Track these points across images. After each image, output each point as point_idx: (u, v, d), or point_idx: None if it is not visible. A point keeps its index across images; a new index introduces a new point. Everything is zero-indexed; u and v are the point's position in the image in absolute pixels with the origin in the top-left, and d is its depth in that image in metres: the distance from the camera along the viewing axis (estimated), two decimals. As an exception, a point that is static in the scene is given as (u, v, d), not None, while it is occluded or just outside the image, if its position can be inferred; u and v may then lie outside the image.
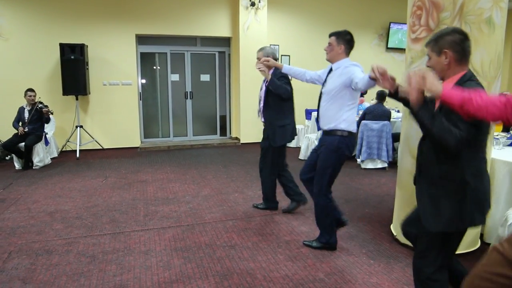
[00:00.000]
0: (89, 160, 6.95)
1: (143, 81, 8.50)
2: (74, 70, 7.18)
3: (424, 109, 1.83)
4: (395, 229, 3.43)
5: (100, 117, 7.96)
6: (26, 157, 6.23)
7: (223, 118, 9.19)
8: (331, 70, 3.14)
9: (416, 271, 2.03)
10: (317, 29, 9.28)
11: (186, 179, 5.51)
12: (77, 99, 7.52)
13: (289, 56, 9.02)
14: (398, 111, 7.74)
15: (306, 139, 6.89)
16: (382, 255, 3.08)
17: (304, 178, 3.27)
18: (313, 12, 9.18)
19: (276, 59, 3.68)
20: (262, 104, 3.86)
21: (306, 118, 8.26)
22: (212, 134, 9.07)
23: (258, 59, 3.66)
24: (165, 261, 2.98)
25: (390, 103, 7.55)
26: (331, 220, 3.15)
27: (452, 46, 1.79)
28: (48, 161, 6.60)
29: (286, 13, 8.91)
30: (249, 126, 8.45)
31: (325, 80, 3.14)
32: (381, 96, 6.23)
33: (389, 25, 9.79)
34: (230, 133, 9.13)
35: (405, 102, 2.09)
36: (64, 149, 7.59)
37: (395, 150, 6.22)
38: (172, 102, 8.66)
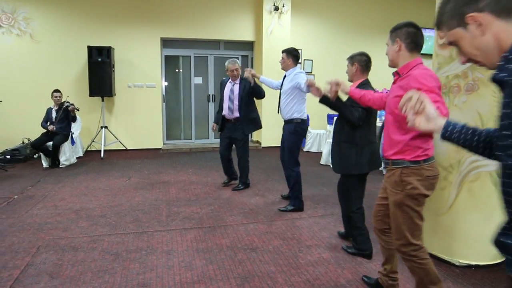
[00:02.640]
0: (113, 160, 7.10)
1: (167, 83, 8.64)
2: (100, 72, 7.37)
3: (338, 101, 2.87)
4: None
5: (124, 118, 8.13)
6: (53, 155, 6.42)
7: (238, 121, 9.23)
8: (285, 76, 4.25)
9: (343, 211, 3.41)
10: (340, 34, 9.24)
11: (208, 181, 5.56)
12: (102, 100, 7.70)
13: (312, 60, 9.01)
14: (422, 118, 7.62)
15: (327, 144, 6.85)
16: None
17: (283, 159, 4.35)
18: (336, 17, 9.14)
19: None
20: (236, 104, 4.84)
21: (328, 123, 8.22)
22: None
23: (236, 70, 4.86)
24: (187, 261, 3.02)
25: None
26: (300, 187, 4.21)
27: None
28: (74, 160, 6.79)
29: (310, 18, 8.90)
30: (270, 130, 8.46)
31: (282, 84, 4.29)
32: None
33: (415, 30, 9.66)
34: (252, 137, 9.17)
35: (326, 101, 2.95)
36: (89, 149, 7.78)
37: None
38: (195, 104, 8.76)
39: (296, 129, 4.11)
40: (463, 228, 2.94)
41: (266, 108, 8.39)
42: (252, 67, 9.00)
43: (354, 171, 3.07)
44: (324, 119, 8.41)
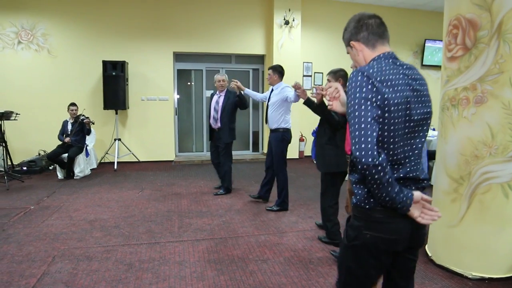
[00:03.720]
0: (126, 172, 7.21)
1: (179, 96, 8.78)
2: (115, 85, 7.54)
3: (322, 105, 3.27)
4: (431, 249, 3.35)
5: (137, 131, 8.27)
6: (68, 167, 6.55)
7: (255, 134, 9.31)
8: (272, 90, 4.75)
9: (321, 205, 3.65)
10: (351, 46, 9.29)
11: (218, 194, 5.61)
12: (116, 113, 7.86)
13: (322, 73, 9.07)
14: (434, 129, 7.58)
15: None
16: (417, 276, 2.98)
17: (268, 165, 4.87)
18: (347, 30, 9.21)
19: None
20: (219, 115, 5.28)
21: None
22: (245, 149, 9.20)
23: (222, 80, 5.37)
24: (198, 272, 3.05)
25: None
26: (287, 190, 4.73)
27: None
28: (88, 172, 6.91)
29: (319, 31, 9.00)
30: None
31: (269, 97, 4.75)
32: None
33: (424, 42, 9.68)
34: (262, 149, 9.22)
35: (310, 104, 3.51)
36: (102, 161, 7.91)
37: (430, 169, 6.08)
38: (206, 117, 8.87)
39: (283, 137, 4.65)
40: (475, 240, 2.93)
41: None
42: (263, 80, 9.12)
43: (335, 169, 3.47)
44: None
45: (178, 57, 8.64)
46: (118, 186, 6.06)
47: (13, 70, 7.69)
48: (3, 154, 6.33)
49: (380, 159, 1.33)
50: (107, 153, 7.88)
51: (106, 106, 7.61)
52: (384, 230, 1.44)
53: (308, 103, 3.54)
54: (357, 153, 1.34)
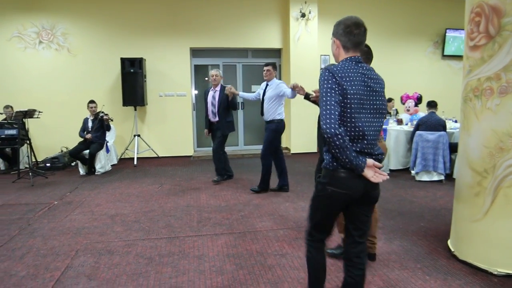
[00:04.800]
0: (146, 167, 7.31)
1: (197, 92, 8.82)
2: (133, 82, 7.63)
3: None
4: (453, 244, 3.28)
5: (156, 126, 8.37)
6: (90, 163, 6.69)
7: (275, 129, 9.28)
8: (267, 85, 5.14)
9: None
10: (369, 37, 9.07)
11: (238, 187, 5.63)
12: (135, 109, 7.96)
13: (339, 66, 8.96)
14: (456, 121, 7.40)
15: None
16: (439, 271, 2.96)
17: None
18: (365, 20, 8.92)
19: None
20: (217, 109, 5.64)
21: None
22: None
23: (216, 75, 5.74)
24: (217, 266, 3.07)
25: (446, 114, 7.26)
26: (269, 175, 5.24)
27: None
28: (108, 167, 7.04)
29: (337, 23, 8.86)
30: (299, 137, 8.48)
31: (265, 92, 5.15)
32: (432, 105, 6.02)
33: (445, 31, 9.43)
34: (281, 143, 9.18)
35: (309, 98, 3.98)
36: (122, 157, 8.05)
37: (452, 162, 5.95)
38: (244, 111, 8.88)
39: (277, 127, 5.12)
40: (501, 235, 2.84)
41: (295, 116, 8.42)
42: (280, 74, 9.07)
43: None
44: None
45: (195, 52, 8.68)
46: (138, 181, 6.15)
47: (35, 70, 7.88)
48: (28, 151, 6.50)
49: (340, 130, 1.80)
50: (127, 149, 8.01)
51: (125, 103, 7.72)
52: (342, 186, 1.91)
53: (308, 98, 4.06)
54: (324, 126, 1.80)
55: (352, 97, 1.84)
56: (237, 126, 8.98)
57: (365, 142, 1.89)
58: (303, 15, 8.20)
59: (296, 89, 4.19)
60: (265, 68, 5.13)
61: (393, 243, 3.51)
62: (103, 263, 3.15)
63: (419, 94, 7.33)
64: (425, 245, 3.47)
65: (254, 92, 5.63)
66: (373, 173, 1.88)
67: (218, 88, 5.73)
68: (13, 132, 6.64)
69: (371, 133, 1.92)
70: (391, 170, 6.55)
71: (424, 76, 9.59)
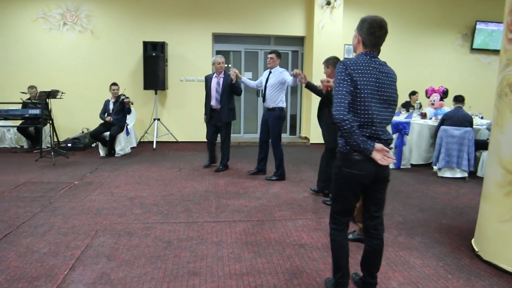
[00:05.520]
0: (165, 151, 7.35)
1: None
2: (154, 66, 7.64)
3: (328, 93, 3.92)
4: (478, 244, 3.18)
5: (176, 111, 8.38)
6: (110, 145, 6.76)
7: (293, 118, 9.20)
8: (270, 72, 5.25)
9: (324, 174, 4.41)
10: (395, 28, 8.89)
11: (256, 175, 5.60)
12: (156, 93, 7.98)
13: (363, 56, 8.77)
14: (482, 117, 7.18)
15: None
16: (462, 271, 2.88)
17: (264, 140, 5.43)
18: (391, 11, 8.82)
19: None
20: (221, 94, 5.62)
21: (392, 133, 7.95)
22: (282, 132, 9.09)
23: (223, 62, 5.71)
24: (236, 253, 3.06)
25: (473, 109, 7.04)
26: (283, 161, 5.33)
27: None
28: (128, 150, 7.10)
29: (363, 12, 8.55)
30: (319, 127, 8.35)
31: (268, 79, 5.24)
32: (459, 99, 5.83)
33: (475, 24, 9.10)
34: (300, 133, 9.11)
35: (312, 88, 4.48)
36: (142, 140, 8.11)
37: (476, 159, 5.78)
38: (244, 99, 8.84)
39: (279, 115, 5.22)
40: (530, 236, 2.73)
41: (316, 103, 8.29)
42: (302, 62, 8.94)
43: (334, 146, 4.11)
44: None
45: (217, 38, 8.61)
46: (157, 164, 6.19)
47: (59, 51, 7.96)
48: (50, 131, 6.59)
49: (348, 116, 2.04)
50: (146, 132, 8.06)
51: (146, 86, 7.74)
52: (355, 167, 2.14)
53: (309, 87, 4.41)
54: (335, 112, 2.06)
55: (363, 87, 2.06)
56: (256, 113, 8.93)
57: (374, 128, 2.11)
58: (328, 3, 8.02)
59: (298, 77, 4.44)
60: (269, 55, 5.22)
61: (414, 239, 3.43)
62: (122, 244, 3.17)
63: (445, 88, 7.12)
64: (448, 243, 3.38)
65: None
66: (381, 156, 2.08)
67: (222, 75, 5.71)
68: (36, 111, 6.74)
69: (380, 120, 2.13)
70: (412, 165, 6.41)
71: (450, 70, 9.31)
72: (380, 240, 2.33)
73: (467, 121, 5.69)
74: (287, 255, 3.04)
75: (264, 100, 5.33)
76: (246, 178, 5.43)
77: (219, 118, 5.73)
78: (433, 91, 7.20)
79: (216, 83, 5.70)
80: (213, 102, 5.73)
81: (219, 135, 5.94)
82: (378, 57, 2.24)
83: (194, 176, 5.49)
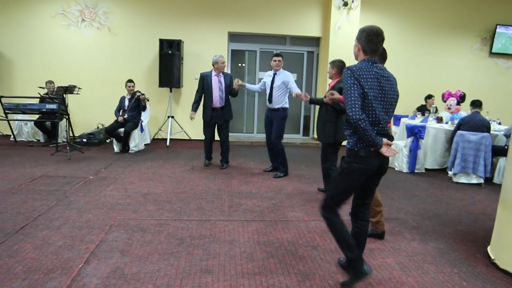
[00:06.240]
0: (178, 149, 7.39)
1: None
2: (170, 64, 7.69)
3: (334, 103, 4.05)
4: (494, 252, 3.12)
5: (190, 109, 8.37)
6: (124, 141, 6.82)
7: (307, 118, 9.18)
8: (275, 74, 5.41)
9: (323, 169, 4.65)
10: (412, 31, 8.82)
11: (269, 175, 5.60)
12: (171, 91, 8.04)
13: (379, 58, 8.69)
14: (500, 123, 7.06)
15: (393, 146, 6.56)
16: (477, 278, 2.83)
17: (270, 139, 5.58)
18: (409, 13, 8.73)
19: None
20: (224, 94, 5.70)
21: (394, 124, 7.89)
22: (295, 133, 9.11)
23: (224, 62, 5.82)
24: (248, 252, 3.06)
25: (490, 114, 6.93)
26: (284, 156, 5.53)
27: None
28: (142, 146, 7.16)
29: (380, 14, 8.59)
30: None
31: (273, 81, 5.40)
32: (476, 104, 5.74)
33: (495, 27, 8.94)
34: (313, 134, 9.08)
35: (316, 102, 4.82)
36: (156, 137, 8.17)
37: (493, 165, 5.67)
38: (258, 99, 8.84)
39: (285, 116, 5.44)
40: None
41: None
42: (317, 63, 8.91)
43: (334, 141, 4.41)
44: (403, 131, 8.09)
45: (233, 37, 8.63)
46: (170, 162, 6.23)
47: (77, 47, 8.07)
48: (66, 125, 6.69)
49: (363, 115, 2.27)
50: (160, 129, 8.12)
51: (161, 84, 7.80)
52: (364, 162, 2.40)
53: (312, 102, 4.77)
54: (350, 114, 2.27)
55: (368, 91, 2.30)
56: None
57: (380, 126, 2.38)
58: (345, 4, 7.97)
59: (299, 96, 4.75)
60: (276, 58, 5.38)
61: (428, 244, 3.39)
62: (136, 240, 3.20)
63: (462, 92, 7.02)
64: (462, 250, 3.33)
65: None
66: (386, 149, 2.36)
67: (222, 74, 5.74)
68: (53, 106, 6.84)
69: (383, 119, 2.40)
70: (426, 169, 6.34)
71: (468, 74, 9.16)
72: (366, 222, 2.67)
73: (484, 126, 5.60)
74: (300, 256, 3.03)
75: (270, 101, 5.43)
76: (259, 178, 5.43)
77: (221, 117, 5.75)
78: (450, 95, 7.10)
79: (218, 81, 5.70)
80: (215, 101, 5.69)
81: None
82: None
83: (207, 174, 5.51)
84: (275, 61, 5.37)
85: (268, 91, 5.46)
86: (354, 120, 2.26)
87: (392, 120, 8.01)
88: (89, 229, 3.37)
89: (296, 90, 5.13)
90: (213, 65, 5.75)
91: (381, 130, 2.39)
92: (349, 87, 2.31)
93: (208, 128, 5.87)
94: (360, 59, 2.45)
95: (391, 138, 2.47)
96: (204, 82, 5.71)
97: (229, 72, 8.66)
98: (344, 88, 2.33)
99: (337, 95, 3.53)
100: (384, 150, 2.34)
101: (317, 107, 9.08)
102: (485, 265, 3.06)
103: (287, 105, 5.45)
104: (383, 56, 3.23)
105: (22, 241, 3.07)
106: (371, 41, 2.39)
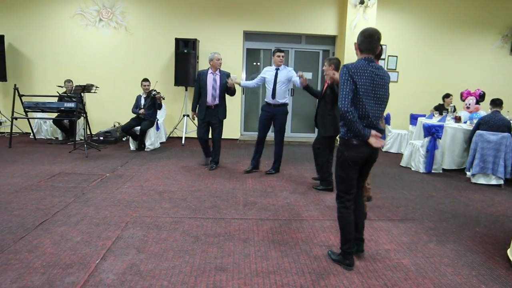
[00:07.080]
0: (193, 147, 7.44)
1: (246, 76, 8.79)
2: (186, 63, 7.73)
3: (334, 85, 4.42)
4: (514, 254, 3.05)
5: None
6: (140, 139, 6.90)
7: (319, 117, 9.11)
8: (278, 69, 5.41)
9: (319, 160, 4.87)
10: (430, 29, 8.67)
11: (284, 174, 5.59)
12: (186, 90, 8.09)
13: (396, 57, 8.58)
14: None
15: (410, 146, 6.49)
16: (496, 281, 2.77)
17: (264, 137, 5.59)
18: (427, 11, 8.59)
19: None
20: (218, 92, 5.61)
21: (411, 124, 7.78)
22: (310, 132, 9.06)
23: (221, 59, 5.72)
24: (262, 251, 3.06)
25: (511, 114, 6.77)
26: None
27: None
28: (157, 145, 7.23)
29: (397, 12, 8.47)
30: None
31: (276, 76, 5.38)
32: (496, 103, 5.61)
33: (517, 25, 8.73)
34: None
35: (309, 90, 5.07)
36: (171, 135, 8.23)
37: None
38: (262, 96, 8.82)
39: (287, 111, 5.55)
40: None
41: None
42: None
43: (332, 134, 4.64)
44: (407, 119, 7.98)
45: (248, 36, 8.63)
46: (185, 160, 6.27)
47: (94, 46, 8.19)
48: (84, 124, 6.80)
49: (351, 108, 2.57)
50: (175, 128, 8.18)
51: (177, 83, 7.85)
52: (355, 151, 2.69)
53: (308, 89, 4.98)
54: (340, 105, 2.58)
55: (361, 87, 2.57)
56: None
57: (369, 119, 2.64)
58: (362, 2, 7.88)
59: (301, 78, 4.87)
60: (280, 54, 5.37)
61: (445, 246, 3.33)
62: (151, 237, 3.23)
63: (482, 91, 6.87)
64: (481, 252, 3.26)
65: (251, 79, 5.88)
66: (375, 140, 2.62)
67: (218, 72, 5.65)
68: (71, 105, 6.96)
69: (373, 114, 2.65)
70: (444, 170, 6.23)
71: (488, 72, 8.97)
72: (360, 200, 3.01)
73: (505, 126, 5.47)
74: (314, 256, 3.02)
75: (273, 97, 5.37)
76: (273, 177, 5.43)
77: (215, 116, 5.64)
78: (469, 94, 6.96)
79: (213, 79, 5.60)
80: (208, 99, 5.58)
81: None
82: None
83: (221, 173, 5.53)
84: (279, 56, 5.34)
85: (270, 87, 5.38)
86: (343, 112, 2.58)
87: (408, 119, 8.01)
88: (106, 226, 3.43)
89: (298, 80, 5.12)
90: (209, 63, 5.70)
91: (371, 124, 2.65)
92: (343, 82, 2.60)
93: (201, 126, 5.73)
94: (358, 57, 2.71)
95: (380, 131, 2.70)
96: (200, 80, 5.65)
97: (244, 71, 8.67)
98: (339, 83, 2.63)
99: (337, 76, 3.79)
100: (372, 141, 2.61)
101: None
102: (504, 268, 2.99)
103: (288, 100, 5.58)
104: (378, 55, 3.39)
105: (41, 237, 3.14)
106: (368, 42, 2.64)
